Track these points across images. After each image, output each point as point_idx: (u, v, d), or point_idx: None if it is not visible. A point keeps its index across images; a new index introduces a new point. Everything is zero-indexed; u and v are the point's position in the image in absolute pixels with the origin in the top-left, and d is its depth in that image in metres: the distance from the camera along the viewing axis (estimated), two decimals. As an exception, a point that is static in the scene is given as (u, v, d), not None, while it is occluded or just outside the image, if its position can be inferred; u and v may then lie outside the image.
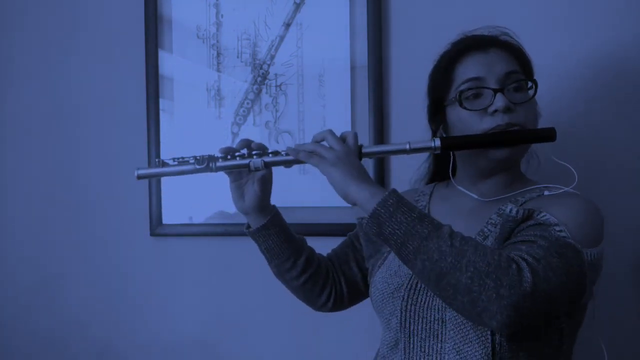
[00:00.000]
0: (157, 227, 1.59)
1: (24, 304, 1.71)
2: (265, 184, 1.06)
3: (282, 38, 1.52)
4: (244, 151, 1.02)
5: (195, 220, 1.58)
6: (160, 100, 1.59)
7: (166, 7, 1.58)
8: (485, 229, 0.96)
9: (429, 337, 0.93)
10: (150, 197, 1.59)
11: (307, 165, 0.98)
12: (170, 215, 1.59)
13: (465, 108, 0.96)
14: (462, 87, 0.97)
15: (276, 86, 1.53)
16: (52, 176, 1.68)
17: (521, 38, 1.05)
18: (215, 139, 1.56)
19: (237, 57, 1.55)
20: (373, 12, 1.44)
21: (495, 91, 0.94)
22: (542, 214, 0.88)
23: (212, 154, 1.03)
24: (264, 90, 1.54)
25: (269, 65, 1.53)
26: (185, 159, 1.03)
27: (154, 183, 1.59)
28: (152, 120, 1.58)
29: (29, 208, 1.70)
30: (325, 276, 1.15)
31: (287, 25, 1.51)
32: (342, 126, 1.47)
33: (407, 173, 1.41)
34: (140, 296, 1.63)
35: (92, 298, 1.66)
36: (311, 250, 1.15)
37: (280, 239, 1.08)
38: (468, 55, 0.99)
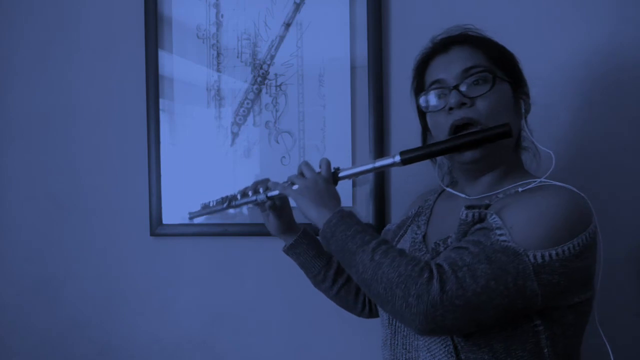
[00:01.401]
0: (157, 227, 1.59)
1: (24, 304, 1.71)
2: (278, 211, 1.19)
3: (282, 38, 1.52)
4: (259, 188, 1.17)
5: (195, 220, 1.57)
6: (160, 100, 1.59)
7: (166, 7, 1.58)
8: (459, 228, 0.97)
9: (410, 334, 0.98)
10: (150, 197, 1.59)
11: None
12: (170, 215, 1.59)
13: (428, 111, 1.01)
14: (428, 90, 1.01)
15: (276, 86, 1.53)
16: (52, 176, 1.68)
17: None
18: (215, 139, 1.56)
19: (237, 57, 1.55)
20: (373, 12, 1.44)
21: (450, 89, 0.96)
22: (493, 217, 0.88)
23: (234, 193, 1.21)
24: (264, 90, 1.53)
25: (269, 65, 1.53)
26: (218, 200, 1.23)
27: (154, 183, 1.59)
28: (152, 120, 1.58)
29: (29, 208, 1.70)
30: (357, 286, 1.21)
31: (287, 25, 1.51)
32: (342, 126, 1.47)
33: (404, 180, 1.43)
34: (140, 296, 1.63)
35: (92, 298, 1.66)
36: None
37: (310, 255, 1.20)
38: (433, 59, 1.03)
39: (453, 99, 0.95)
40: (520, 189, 0.95)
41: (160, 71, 1.58)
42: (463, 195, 1.04)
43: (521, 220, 0.86)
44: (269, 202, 1.17)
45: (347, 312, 1.28)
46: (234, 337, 1.58)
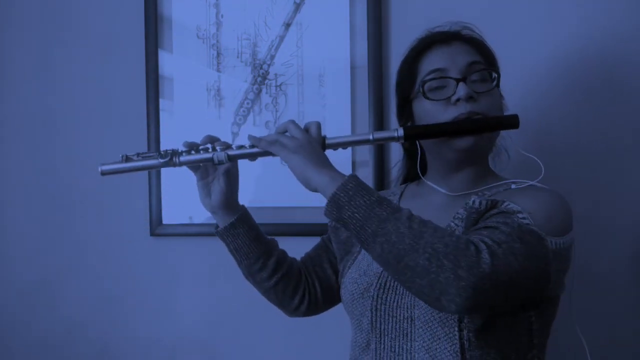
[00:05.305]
0: (157, 227, 1.59)
1: (24, 304, 1.70)
2: (230, 179, 1.06)
3: (282, 38, 1.52)
4: (209, 146, 1.02)
5: (195, 220, 1.58)
6: (160, 100, 1.59)
7: (166, 7, 1.58)
8: (452, 224, 0.96)
9: (399, 336, 0.94)
10: (150, 197, 1.59)
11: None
12: (170, 215, 1.59)
13: (428, 98, 0.97)
14: (426, 79, 0.98)
15: (276, 86, 1.53)
16: (52, 176, 1.68)
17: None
18: (215, 139, 1.56)
19: (237, 57, 1.55)
20: (373, 12, 1.44)
21: (458, 80, 0.95)
22: (506, 203, 0.89)
23: (176, 148, 1.02)
24: (264, 90, 1.54)
25: (269, 65, 1.53)
26: (150, 154, 1.03)
27: (154, 183, 1.59)
28: (152, 120, 1.58)
29: (28, 208, 1.70)
30: (297, 279, 1.13)
31: (287, 25, 1.51)
32: (342, 126, 1.47)
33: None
34: (140, 296, 1.63)
35: (92, 298, 1.66)
36: (282, 251, 1.13)
37: (250, 238, 1.07)
38: (431, 49, 1.00)
39: (463, 91, 0.94)
40: (513, 186, 0.97)
41: (160, 71, 1.58)
42: (443, 191, 1.02)
43: (536, 208, 0.88)
44: (226, 165, 1.02)
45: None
46: (234, 337, 1.58)
